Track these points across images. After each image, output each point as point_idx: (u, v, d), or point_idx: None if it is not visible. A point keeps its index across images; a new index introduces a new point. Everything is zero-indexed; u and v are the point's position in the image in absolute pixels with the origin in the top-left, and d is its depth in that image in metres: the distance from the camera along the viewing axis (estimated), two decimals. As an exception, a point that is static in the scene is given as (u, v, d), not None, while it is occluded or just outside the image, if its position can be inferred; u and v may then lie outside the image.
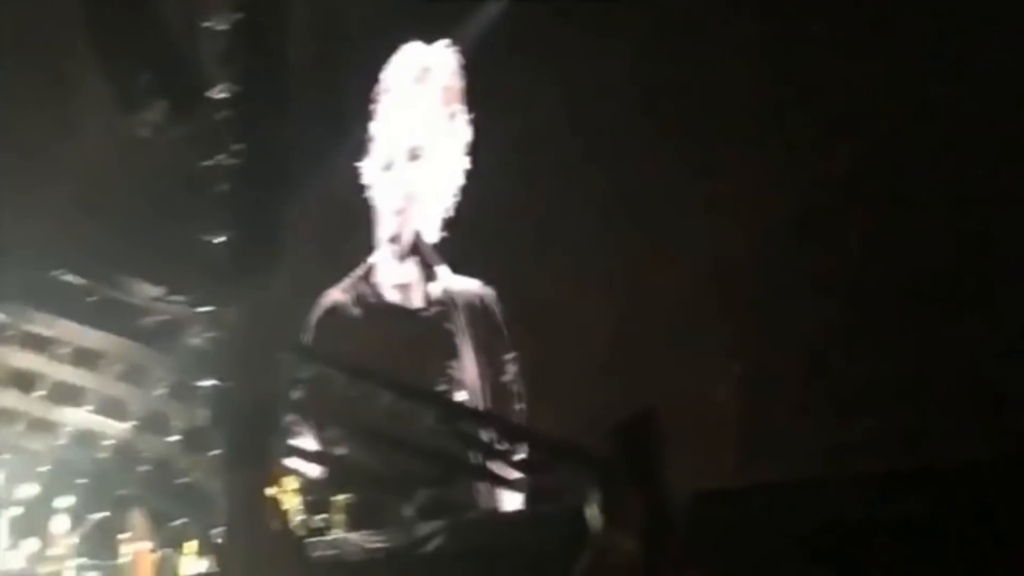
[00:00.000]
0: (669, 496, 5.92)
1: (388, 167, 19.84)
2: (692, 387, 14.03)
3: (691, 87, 15.03)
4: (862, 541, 7.56)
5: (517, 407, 17.43)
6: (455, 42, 18.98)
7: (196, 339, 16.90)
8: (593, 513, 5.77)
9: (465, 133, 18.65)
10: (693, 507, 9.08)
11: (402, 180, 19.57)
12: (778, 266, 13.80)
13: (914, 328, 12.34)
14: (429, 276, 18.87)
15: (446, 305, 18.45)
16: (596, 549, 5.63)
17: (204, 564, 18.58)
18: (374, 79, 20.16)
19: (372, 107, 20.24)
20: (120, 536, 20.37)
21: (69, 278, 17.00)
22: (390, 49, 19.97)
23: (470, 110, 18.68)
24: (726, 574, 7.51)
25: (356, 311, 19.97)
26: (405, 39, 19.77)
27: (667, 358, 14.67)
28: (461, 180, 18.61)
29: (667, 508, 5.83)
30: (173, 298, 15.45)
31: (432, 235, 19.00)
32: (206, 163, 13.86)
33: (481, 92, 18.54)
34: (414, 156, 19.45)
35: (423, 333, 18.75)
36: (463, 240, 18.57)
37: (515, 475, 16.42)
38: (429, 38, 19.41)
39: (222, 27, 13.85)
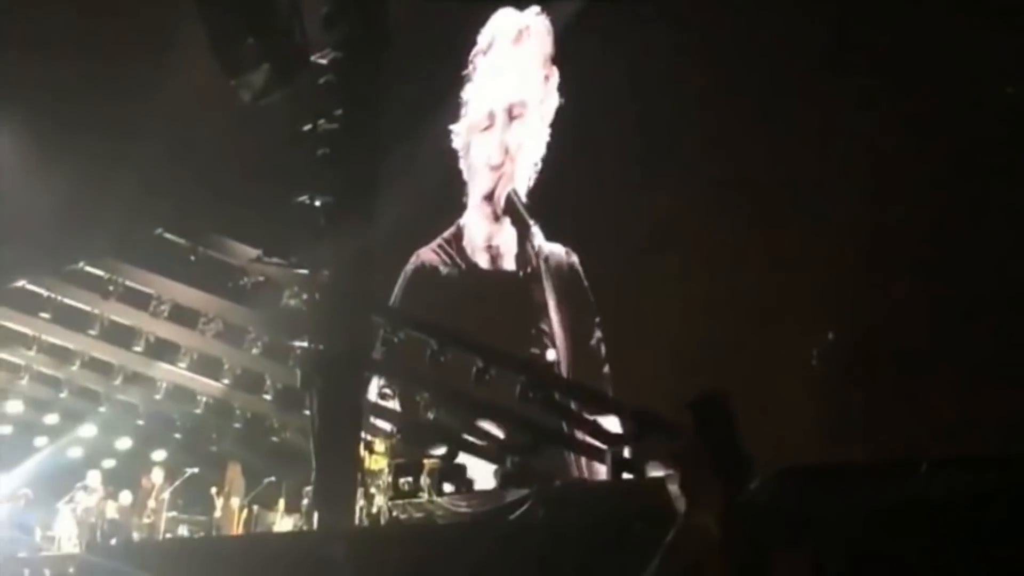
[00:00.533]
0: (748, 475, 5.92)
1: (487, 126, 19.91)
2: (779, 361, 14.01)
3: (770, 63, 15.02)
4: (947, 521, 7.51)
5: (603, 371, 17.48)
6: (544, 10, 19.17)
7: (291, 300, 17.18)
8: (674, 491, 5.80)
9: (555, 99, 18.74)
10: (778, 483, 9.08)
11: (500, 138, 19.64)
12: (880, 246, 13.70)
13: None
14: (523, 235, 18.92)
15: (537, 267, 18.50)
16: (679, 527, 5.65)
17: (293, 521, 18.90)
18: (466, 43, 20.28)
19: (465, 71, 20.35)
20: (213, 490, 20.78)
21: (171, 237, 17.28)
22: (480, 15, 20.10)
23: (560, 76, 18.83)
24: (811, 552, 7.51)
25: (447, 272, 20.11)
26: (496, 5, 19.92)
27: (750, 335, 14.67)
28: (546, 144, 18.77)
29: (745, 487, 5.83)
30: (270, 259, 15.62)
31: (523, 194, 19.09)
32: (306, 127, 14.01)
33: (568, 59, 18.65)
34: (513, 114, 19.50)
35: (513, 295, 18.82)
36: (548, 202, 18.62)
37: (601, 444, 16.45)
38: (520, 4, 19.56)
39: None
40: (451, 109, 20.41)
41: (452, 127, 20.36)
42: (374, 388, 18.02)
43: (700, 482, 5.64)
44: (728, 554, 5.63)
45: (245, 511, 20.10)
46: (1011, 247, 12.56)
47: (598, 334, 17.59)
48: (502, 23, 19.88)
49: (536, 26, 19.34)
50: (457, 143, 20.34)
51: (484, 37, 20.10)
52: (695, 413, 5.92)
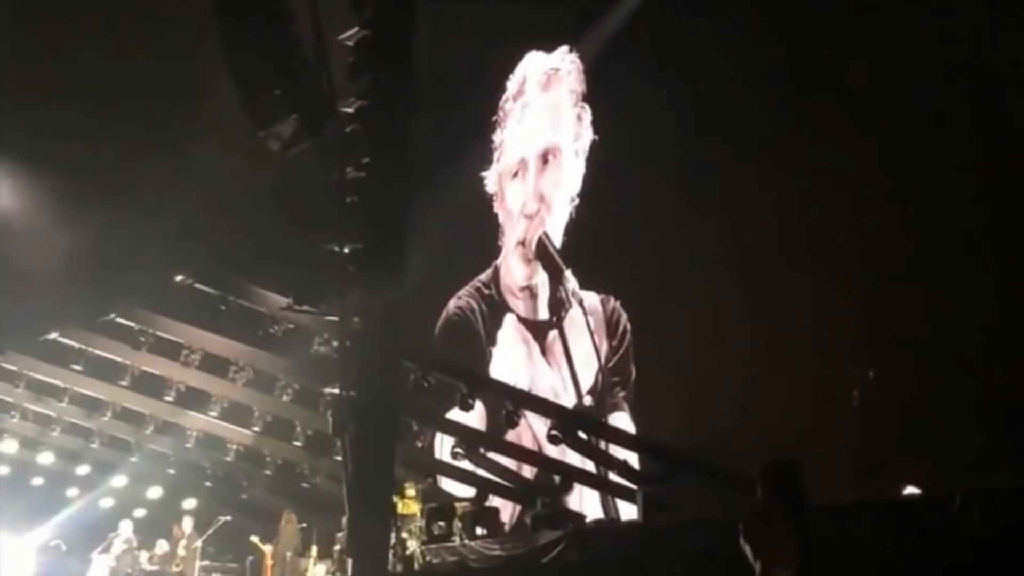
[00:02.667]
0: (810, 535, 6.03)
1: (520, 171, 19.98)
2: (818, 399, 14.07)
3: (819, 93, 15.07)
4: (984, 556, 7.54)
5: (636, 417, 17.50)
6: (574, 49, 19.27)
7: (321, 347, 17.29)
8: (747, 548, 5.91)
9: (589, 135, 18.82)
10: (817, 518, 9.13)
11: (535, 185, 19.69)
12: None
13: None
14: (555, 280, 18.96)
15: (571, 312, 18.53)
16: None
17: (325, 567, 18.94)
18: (496, 89, 20.38)
19: (496, 116, 20.45)
20: (255, 539, 20.84)
21: (201, 287, 17.44)
22: (508, 59, 20.21)
23: (592, 113, 18.90)
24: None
25: (479, 318, 20.15)
26: (523, 49, 20.02)
27: (788, 375, 14.71)
28: (580, 184, 18.85)
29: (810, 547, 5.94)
30: (300, 307, 15.73)
31: (557, 239, 19.13)
32: (335, 175, 14.13)
33: (602, 97, 18.74)
34: (547, 158, 19.57)
35: (547, 340, 18.87)
36: (583, 246, 18.68)
37: (632, 485, 16.45)
38: (549, 47, 19.64)
39: (351, 43, 14.16)
40: (483, 154, 20.49)
41: (484, 173, 20.44)
42: (447, 447, 18.07)
43: (780, 540, 5.75)
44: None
45: (277, 557, 20.13)
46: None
47: (632, 380, 17.61)
48: (531, 67, 19.99)
49: (566, 66, 19.43)
50: (491, 188, 20.42)
51: (513, 82, 20.21)
52: (770, 477, 6.05)
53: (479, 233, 20.19)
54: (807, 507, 5.98)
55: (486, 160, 20.45)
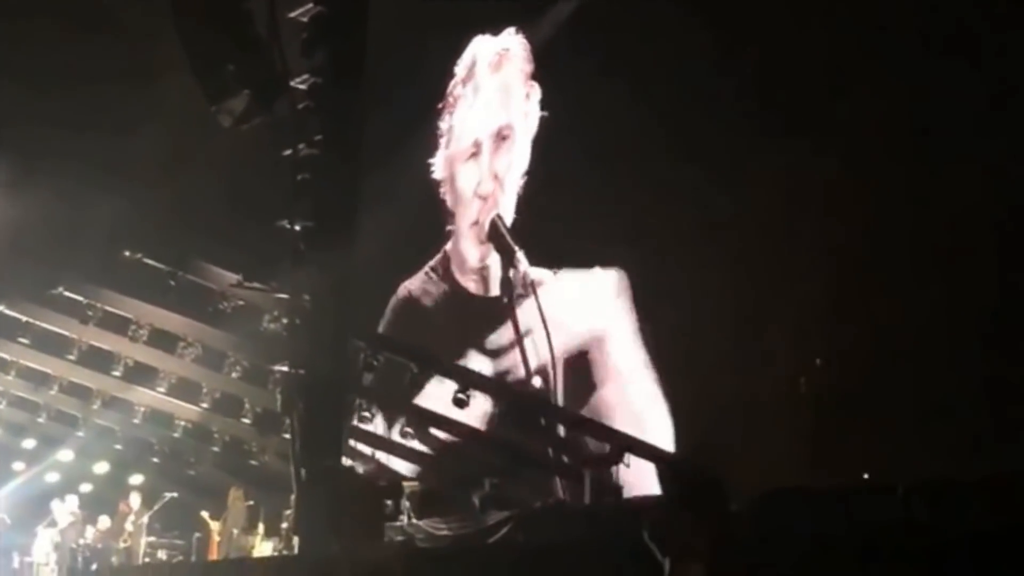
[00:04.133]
0: (732, 527, 5.99)
1: (473, 153, 19.90)
2: (771, 382, 14.16)
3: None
4: (928, 547, 7.59)
5: (590, 397, 17.53)
6: (519, 29, 19.28)
7: (271, 324, 17.22)
8: (653, 544, 5.83)
9: (536, 111, 18.82)
10: (762, 505, 9.18)
11: (488, 165, 19.62)
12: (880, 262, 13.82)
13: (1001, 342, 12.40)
14: (507, 261, 18.89)
15: (524, 291, 18.50)
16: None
17: (272, 545, 18.92)
18: (441, 74, 20.33)
19: (442, 103, 20.38)
20: (205, 514, 20.79)
21: (150, 261, 17.32)
22: (455, 44, 20.20)
23: (541, 91, 18.93)
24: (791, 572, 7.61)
25: (431, 299, 20.11)
26: (470, 34, 20.02)
27: (735, 354, 14.79)
28: (528, 162, 18.86)
29: (731, 538, 5.89)
30: (250, 284, 15.66)
31: (508, 217, 19.08)
32: (286, 152, 14.06)
33: (548, 74, 18.77)
34: (501, 137, 19.49)
35: (499, 320, 18.85)
36: (534, 223, 18.67)
37: (580, 468, 16.50)
38: (495, 30, 19.64)
39: (304, 19, 14.09)
40: (428, 140, 20.40)
41: (431, 160, 20.36)
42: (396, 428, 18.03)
43: (687, 539, 5.70)
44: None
45: (222, 534, 20.11)
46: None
47: (588, 356, 17.62)
48: (480, 49, 19.91)
49: (514, 47, 19.40)
50: (438, 174, 20.33)
51: (462, 66, 20.12)
52: (685, 493, 6.00)
53: (427, 219, 20.12)
54: (726, 510, 5.94)
55: (433, 146, 20.36)
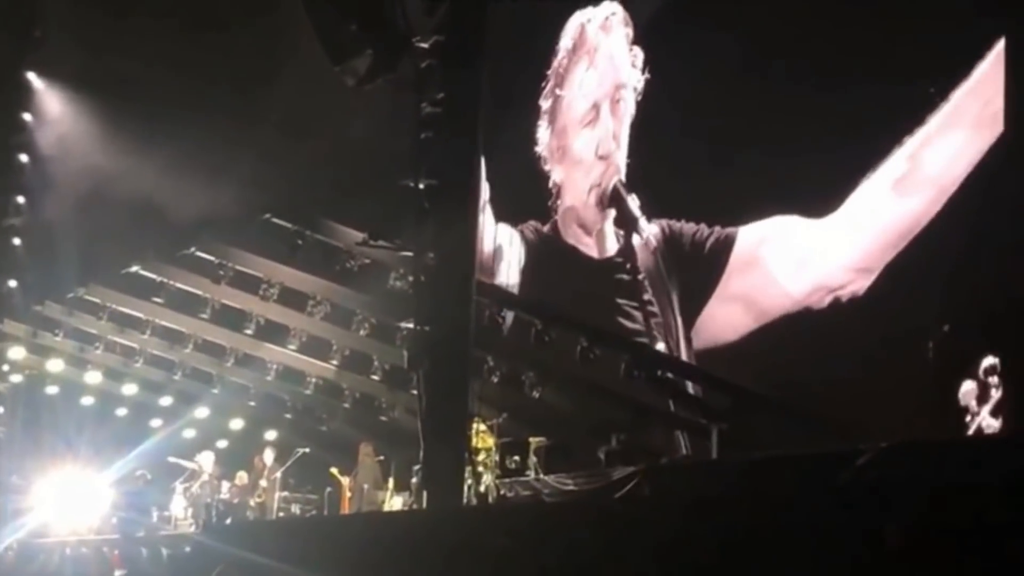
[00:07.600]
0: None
1: (591, 119, 19.86)
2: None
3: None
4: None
5: (708, 348, 17.49)
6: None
7: (397, 282, 17.37)
8: None
9: (640, 76, 18.81)
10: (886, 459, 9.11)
11: (609, 127, 19.58)
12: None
13: None
14: (626, 223, 18.87)
15: (642, 253, 18.47)
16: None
17: (402, 499, 19.12)
18: (543, 51, 20.39)
19: (549, 78, 20.39)
20: (334, 470, 21.08)
21: (278, 221, 17.54)
22: (554, 22, 20.26)
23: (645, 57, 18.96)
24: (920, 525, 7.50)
25: (552, 257, 20.12)
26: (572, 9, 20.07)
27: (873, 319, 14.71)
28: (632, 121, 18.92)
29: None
30: (375, 242, 15.79)
31: (623, 180, 19.09)
32: (410, 110, 14.15)
33: (649, 42, 18.78)
34: (615, 100, 19.43)
35: (618, 280, 18.83)
36: (647, 185, 18.64)
37: (707, 422, 16.45)
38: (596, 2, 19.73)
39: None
40: (531, 115, 20.43)
41: (538, 135, 20.43)
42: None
43: None
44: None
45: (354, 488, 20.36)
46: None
47: (705, 314, 17.57)
48: (587, 18, 19.96)
49: (618, 12, 19.44)
50: (543, 149, 20.36)
51: (565, 40, 20.14)
52: None
53: (536, 188, 20.20)
54: None
55: (534, 122, 20.39)
